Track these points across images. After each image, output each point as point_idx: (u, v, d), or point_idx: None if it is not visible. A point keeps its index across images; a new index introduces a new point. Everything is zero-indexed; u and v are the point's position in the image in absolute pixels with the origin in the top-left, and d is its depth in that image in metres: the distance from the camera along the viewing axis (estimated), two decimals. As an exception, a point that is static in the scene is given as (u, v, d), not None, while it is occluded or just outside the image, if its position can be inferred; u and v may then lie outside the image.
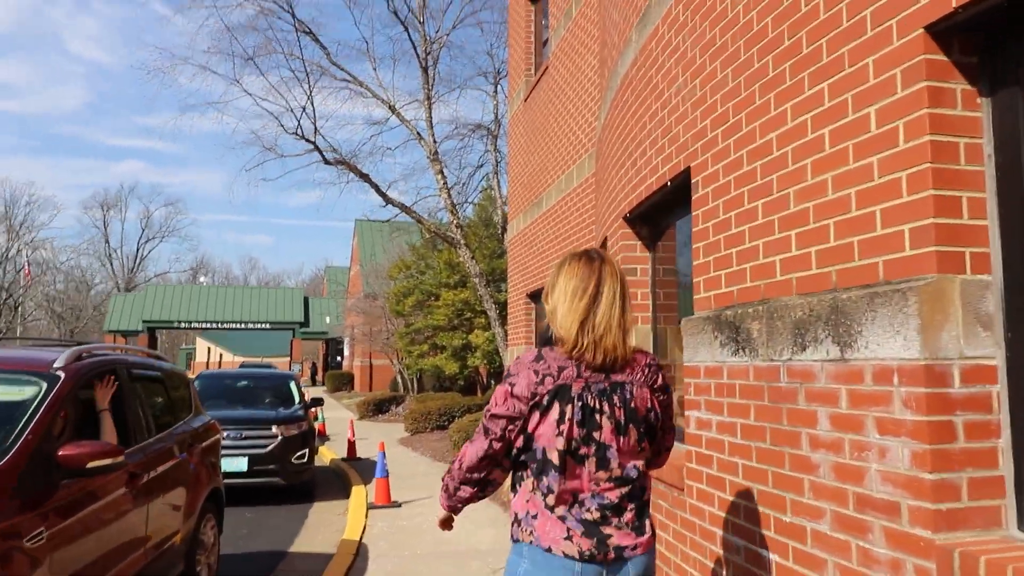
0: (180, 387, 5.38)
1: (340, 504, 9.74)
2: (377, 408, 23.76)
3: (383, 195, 15.20)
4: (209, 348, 68.95)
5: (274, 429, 9.87)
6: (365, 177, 15.02)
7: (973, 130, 1.87)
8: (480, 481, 2.22)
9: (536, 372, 2.09)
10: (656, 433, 2.21)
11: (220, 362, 62.46)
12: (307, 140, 14.44)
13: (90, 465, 3.31)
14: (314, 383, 52.89)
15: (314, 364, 57.93)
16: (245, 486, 9.61)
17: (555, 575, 2.03)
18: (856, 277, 2.06)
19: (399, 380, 30.79)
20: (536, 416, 2.08)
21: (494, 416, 2.13)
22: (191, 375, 8.09)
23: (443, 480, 2.30)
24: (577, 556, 2.03)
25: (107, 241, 70.32)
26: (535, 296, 9.99)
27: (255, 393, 11.31)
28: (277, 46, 14.46)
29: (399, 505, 9.02)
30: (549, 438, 2.08)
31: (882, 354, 1.92)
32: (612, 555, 2.06)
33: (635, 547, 2.10)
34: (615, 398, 2.12)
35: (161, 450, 4.52)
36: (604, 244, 5.49)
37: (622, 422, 2.11)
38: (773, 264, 2.52)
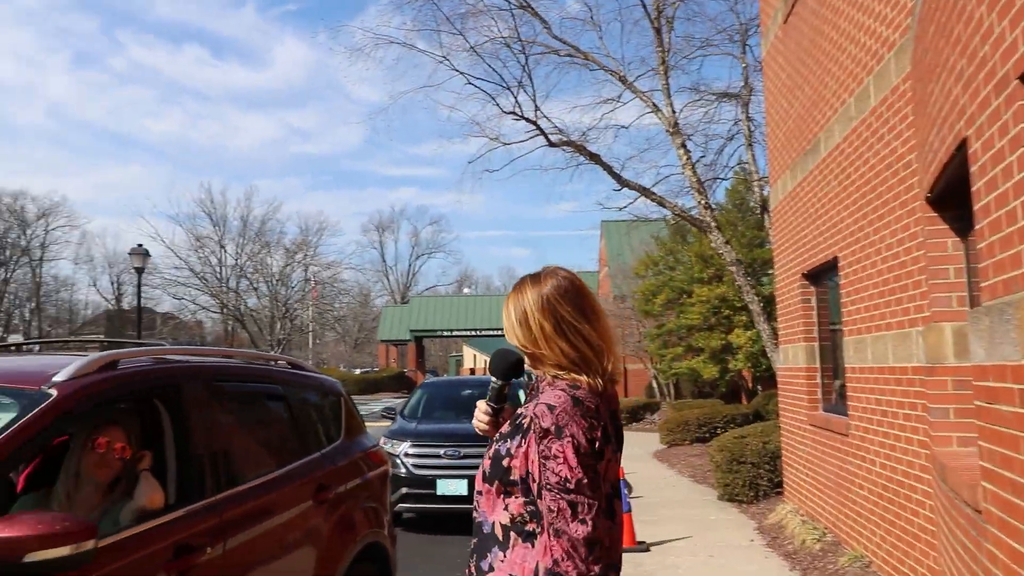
0: (320, 403, 3.98)
1: (576, 538, 8.04)
2: (631, 416, 22.03)
3: (617, 177, 13.37)
4: (475, 355, 72.44)
5: (498, 446, 8.43)
6: (595, 158, 13.31)
7: None
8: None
9: (584, 418, 1.80)
10: None
11: (485, 368, 64.94)
12: (527, 120, 13.08)
13: (29, 558, 1.87)
14: (569, 389, 52.49)
15: (568, 370, 57.65)
16: (466, 513, 8.27)
17: None
18: None
19: (654, 385, 28.78)
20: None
21: (581, 488, 1.73)
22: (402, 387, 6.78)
23: None
24: None
25: (383, 259, 77.17)
26: (815, 276, 7.54)
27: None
28: (488, 19, 13.27)
29: (647, 548, 7.10)
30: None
31: None
32: None
33: None
34: (612, 427, 1.92)
35: (264, 500, 3.09)
36: (957, 153, 3.18)
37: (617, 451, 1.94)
38: None
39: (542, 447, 1.77)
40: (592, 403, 1.84)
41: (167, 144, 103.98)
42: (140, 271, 20.09)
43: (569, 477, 1.74)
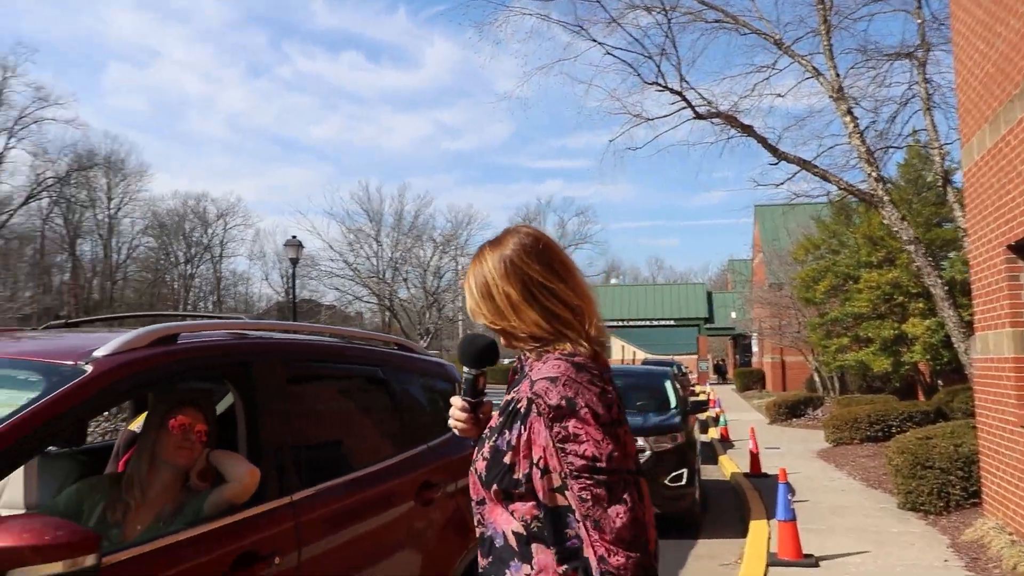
0: (431, 390, 3.50)
1: (733, 546, 7.27)
2: (790, 411, 20.51)
3: (773, 150, 12.18)
4: (623, 346, 71.73)
5: (641, 442, 7.76)
6: (748, 129, 12.19)
7: None
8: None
9: (595, 384, 1.57)
10: None
11: (634, 359, 63.91)
12: (672, 91, 12.14)
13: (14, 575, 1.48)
14: (723, 380, 50.64)
15: (720, 362, 55.61)
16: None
17: None
18: None
19: (815, 379, 26.83)
20: None
21: (614, 462, 1.50)
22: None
23: None
24: None
25: (530, 251, 77.53)
26: (1025, 246, 6.29)
27: (620, 396, 9.27)
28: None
29: (815, 563, 6.19)
30: None
31: None
32: None
33: None
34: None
35: (353, 500, 2.64)
36: None
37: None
38: None
39: (556, 429, 1.52)
40: (595, 368, 1.61)
41: (328, 146, 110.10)
42: (295, 262, 20.94)
43: (598, 455, 1.50)
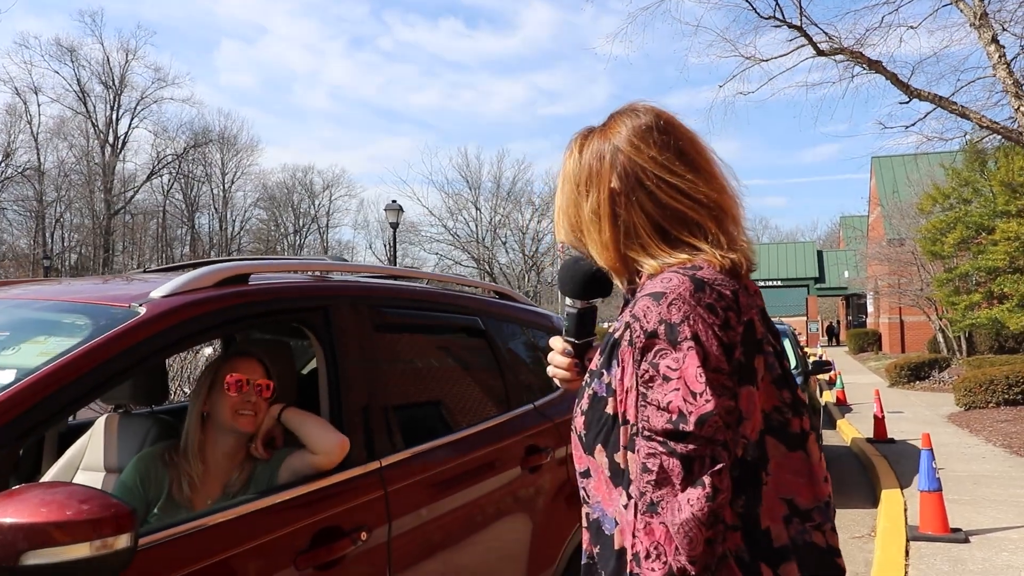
0: (537, 342, 3.13)
1: (863, 517, 6.68)
2: (913, 373, 19.19)
3: (903, 86, 11.03)
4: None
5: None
6: (876, 65, 11.07)
7: None
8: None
9: (714, 310, 1.11)
10: None
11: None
12: (791, 26, 11.14)
13: (30, 559, 1.18)
14: (833, 342, 48.41)
15: (832, 323, 53.13)
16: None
17: None
18: None
19: (939, 339, 25.07)
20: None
21: (706, 428, 1.06)
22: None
23: None
24: None
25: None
26: None
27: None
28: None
29: (965, 539, 5.53)
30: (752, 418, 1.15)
31: None
32: None
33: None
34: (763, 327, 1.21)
35: (450, 466, 2.30)
36: None
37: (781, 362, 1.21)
38: None
39: (645, 365, 1.11)
40: (727, 288, 1.16)
41: (428, 114, 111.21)
42: (395, 226, 21.05)
43: (685, 412, 1.06)
